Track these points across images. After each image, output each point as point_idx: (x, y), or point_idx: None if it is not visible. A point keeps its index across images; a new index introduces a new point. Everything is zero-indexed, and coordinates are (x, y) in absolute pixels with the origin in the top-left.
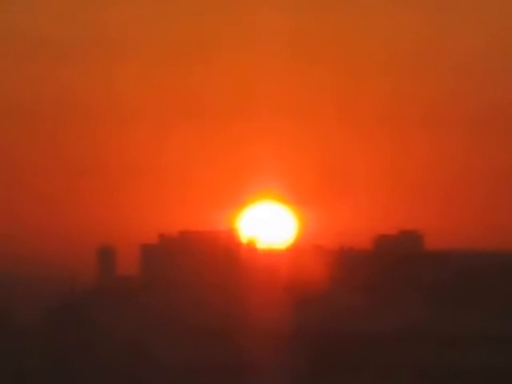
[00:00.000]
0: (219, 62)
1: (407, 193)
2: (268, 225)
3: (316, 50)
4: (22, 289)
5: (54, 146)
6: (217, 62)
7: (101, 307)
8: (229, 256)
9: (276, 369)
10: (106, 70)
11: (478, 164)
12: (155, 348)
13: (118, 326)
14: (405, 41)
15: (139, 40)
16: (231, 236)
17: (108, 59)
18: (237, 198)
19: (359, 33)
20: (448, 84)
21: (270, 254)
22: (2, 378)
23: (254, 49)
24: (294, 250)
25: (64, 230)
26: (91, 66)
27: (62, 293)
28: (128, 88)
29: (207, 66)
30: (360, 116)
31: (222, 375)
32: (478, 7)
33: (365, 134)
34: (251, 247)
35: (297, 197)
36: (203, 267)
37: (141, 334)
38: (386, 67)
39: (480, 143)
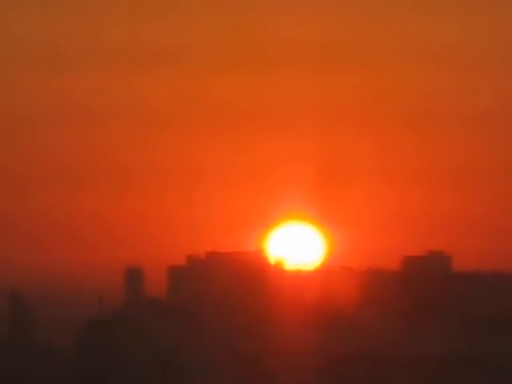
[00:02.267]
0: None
1: (435, 214)
2: (296, 246)
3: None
4: (52, 311)
5: (80, 167)
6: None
7: (129, 328)
8: (257, 277)
9: None
10: (124, 77)
11: (506, 185)
12: (183, 369)
13: (146, 348)
14: None
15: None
16: (259, 257)
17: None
18: (265, 219)
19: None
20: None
21: (298, 276)
22: None
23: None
24: (322, 272)
25: (92, 252)
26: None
27: (91, 314)
28: (151, 103)
29: (240, 84)
30: (387, 140)
31: None
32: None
33: (393, 157)
34: (279, 268)
35: (325, 218)
36: (231, 288)
37: (169, 355)
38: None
39: (509, 167)
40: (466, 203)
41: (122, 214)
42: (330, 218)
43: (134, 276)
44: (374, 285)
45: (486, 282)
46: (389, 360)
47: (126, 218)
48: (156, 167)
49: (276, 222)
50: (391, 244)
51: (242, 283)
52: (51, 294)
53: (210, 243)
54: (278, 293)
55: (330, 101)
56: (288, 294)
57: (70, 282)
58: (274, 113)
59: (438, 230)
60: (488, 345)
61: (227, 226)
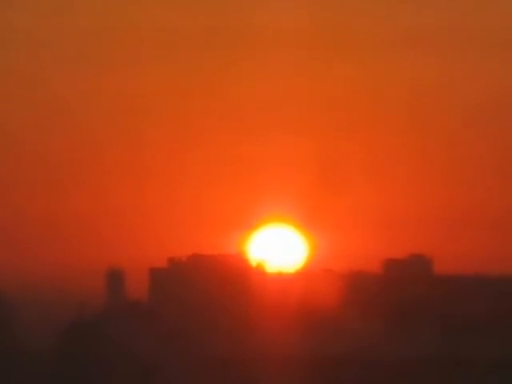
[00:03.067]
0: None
1: (416, 217)
2: (278, 248)
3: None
4: (32, 313)
5: (61, 167)
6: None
7: (110, 330)
8: (238, 280)
9: None
10: (113, 78)
11: (488, 189)
12: (164, 373)
13: (127, 350)
14: None
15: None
16: (241, 260)
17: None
18: (246, 222)
19: None
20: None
21: (280, 278)
22: None
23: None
24: (304, 274)
25: (73, 253)
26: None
27: (72, 317)
28: (135, 99)
29: (218, 87)
30: (371, 144)
31: None
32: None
33: (377, 157)
34: (261, 271)
35: (307, 220)
36: (212, 291)
37: (150, 358)
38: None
39: (491, 170)
40: (448, 206)
41: (103, 216)
42: (312, 220)
43: (115, 278)
44: (356, 287)
45: (467, 286)
46: (370, 363)
47: (107, 220)
48: (138, 168)
49: (257, 225)
50: (373, 247)
51: (223, 286)
52: (31, 295)
53: (192, 245)
54: (260, 295)
55: (318, 103)
56: (270, 296)
57: (51, 284)
58: (258, 112)
59: (419, 233)
60: (469, 348)
61: (209, 229)
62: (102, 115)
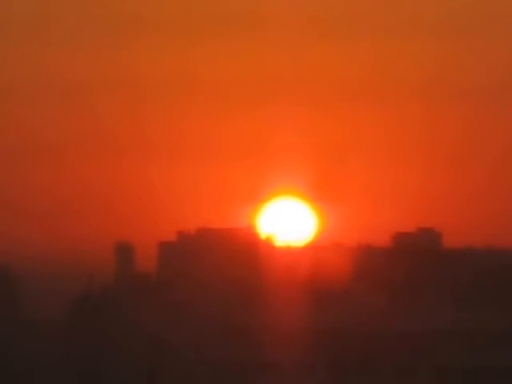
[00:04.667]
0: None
1: (425, 191)
2: (287, 222)
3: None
4: (41, 286)
5: (70, 142)
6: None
7: (119, 304)
8: (247, 253)
9: (295, 367)
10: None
11: (497, 162)
12: (173, 345)
13: (136, 323)
14: None
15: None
16: (250, 233)
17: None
18: (255, 195)
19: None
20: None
21: (289, 252)
22: (24, 373)
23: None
24: (313, 248)
25: (83, 227)
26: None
27: (81, 290)
28: (138, 74)
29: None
30: (381, 117)
31: (241, 373)
32: None
33: (385, 130)
34: (270, 244)
35: (316, 193)
36: (221, 265)
37: (158, 331)
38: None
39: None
40: (456, 180)
41: (112, 190)
42: (322, 193)
43: (124, 252)
44: (365, 261)
45: (475, 259)
46: (378, 336)
47: (116, 194)
48: (146, 142)
49: (267, 198)
50: (382, 220)
51: (232, 259)
52: (41, 268)
53: (201, 219)
54: (269, 269)
55: (326, 72)
56: (278, 269)
57: (60, 257)
58: (266, 83)
59: (428, 206)
60: (477, 321)
61: (217, 202)
62: (109, 91)
